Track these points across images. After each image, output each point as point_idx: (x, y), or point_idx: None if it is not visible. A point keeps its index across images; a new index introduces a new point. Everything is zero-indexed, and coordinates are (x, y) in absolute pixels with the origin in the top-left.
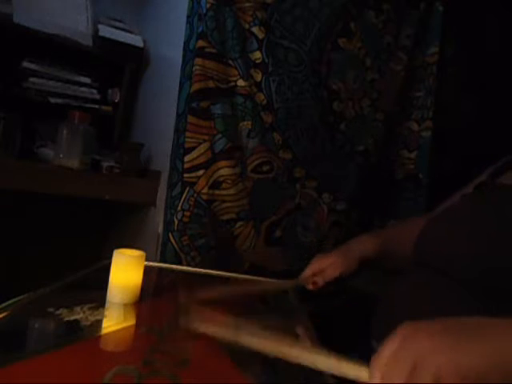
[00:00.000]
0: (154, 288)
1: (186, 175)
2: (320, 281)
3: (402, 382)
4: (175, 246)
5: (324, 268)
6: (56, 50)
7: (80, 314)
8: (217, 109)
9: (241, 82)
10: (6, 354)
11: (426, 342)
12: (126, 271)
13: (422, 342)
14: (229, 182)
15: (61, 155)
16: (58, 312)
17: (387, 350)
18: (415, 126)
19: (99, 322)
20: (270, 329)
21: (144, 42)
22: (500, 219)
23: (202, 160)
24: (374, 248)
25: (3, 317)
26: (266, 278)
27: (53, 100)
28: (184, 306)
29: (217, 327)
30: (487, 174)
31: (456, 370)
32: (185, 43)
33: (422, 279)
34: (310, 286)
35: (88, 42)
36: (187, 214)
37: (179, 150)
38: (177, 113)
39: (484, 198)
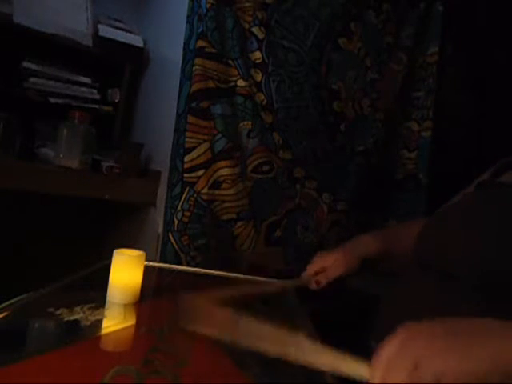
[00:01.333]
0: (153, 288)
1: (186, 175)
2: (323, 280)
3: (402, 382)
4: (175, 245)
5: (326, 267)
6: (56, 49)
7: (80, 314)
8: (217, 109)
9: (241, 82)
10: (6, 354)
11: (427, 344)
12: (125, 271)
13: (423, 343)
14: (229, 181)
15: (61, 155)
16: (57, 312)
17: (387, 351)
18: (415, 126)
19: (99, 322)
20: (269, 327)
21: (144, 41)
22: (504, 219)
23: (201, 160)
24: (375, 248)
25: (3, 317)
26: (266, 278)
27: (53, 100)
28: (183, 306)
29: (215, 328)
30: (488, 173)
31: (456, 374)
32: (185, 43)
33: (425, 281)
34: (313, 285)
35: (88, 41)
36: (187, 213)
37: (179, 150)
38: (177, 113)
39: (486, 198)
